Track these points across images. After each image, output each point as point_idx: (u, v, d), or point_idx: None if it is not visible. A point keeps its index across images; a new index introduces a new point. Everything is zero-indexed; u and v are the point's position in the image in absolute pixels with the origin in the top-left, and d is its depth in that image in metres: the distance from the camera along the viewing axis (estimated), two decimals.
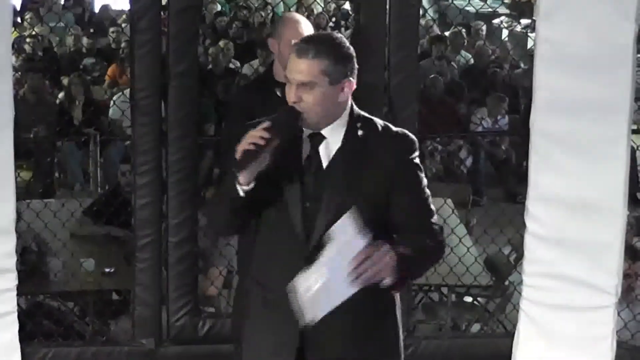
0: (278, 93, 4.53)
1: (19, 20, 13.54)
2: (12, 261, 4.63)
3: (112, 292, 6.48)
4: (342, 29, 13.94)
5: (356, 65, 3.17)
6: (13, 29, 5.05)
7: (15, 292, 4.67)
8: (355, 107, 3.23)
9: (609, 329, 4.60)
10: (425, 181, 3.23)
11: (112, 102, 10.16)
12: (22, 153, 8.42)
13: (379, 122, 3.24)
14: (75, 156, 9.98)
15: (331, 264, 3.00)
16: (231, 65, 11.34)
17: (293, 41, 3.47)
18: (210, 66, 11.07)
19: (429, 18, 13.61)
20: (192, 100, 5.20)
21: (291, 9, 13.71)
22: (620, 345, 4.82)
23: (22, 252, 5.72)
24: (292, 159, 3.17)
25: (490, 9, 14.01)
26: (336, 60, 3.09)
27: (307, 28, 4.53)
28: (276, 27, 4.62)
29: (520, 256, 5.49)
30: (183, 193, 5.20)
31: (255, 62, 11.17)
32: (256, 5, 13.68)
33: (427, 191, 3.23)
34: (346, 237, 2.99)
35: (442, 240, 3.25)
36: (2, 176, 4.55)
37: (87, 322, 6.07)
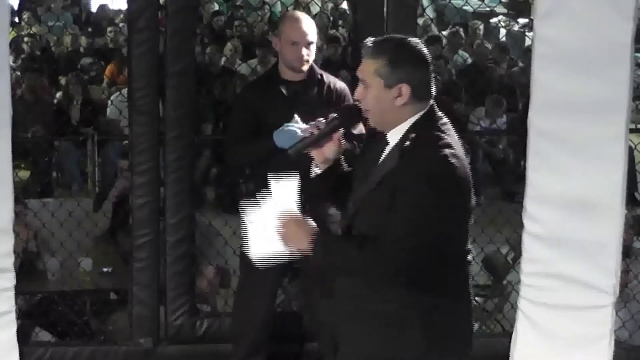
0: (283, 90, 4.54)
1: (16, 20, 13.54)
2: (10, 261, 4.63)
3: (109, 292, 6.48)
4: (340, 28, 13.93)
5: (424, 74, 3.09)
6: (11, 28, 5.04)
7: (13, 292, 4.67)
8: (438, 117, 3.09)
9: (606, 329, 4.60)
10: (422, 216, 2.94)
11: (109, 102, 10.14)
12: (20, 153, 8.41)
13: (435, 142, 3.01)
14: (73, 156, 9.97)
15: (264, 214, 3.17)
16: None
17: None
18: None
19: (427, 17, 13.59)
20: (189, 100, 5.18)
21: (289, 9, 13.68)
22: (618, 344, 4.82)
23: (20, 252, 5.72)
24: (367, 153, 3.24)
25: (487, 8, 14.03)
26: (391, 62, 3.03)
27: (308, 26, 4.52)
28: (278, 26, 4.63)
29: (518, 255, 5.47)
30: (181, 192, 5.19)
31: (254, 62, 11.16)
32: (254, 5, 13.66)
33: (415, 227, 2.94)
34: (284, 197, 3.14)
35: (380, 263, 2.99)
36: (0, 176, 4.55)
37: (85, 321, 6.06)
